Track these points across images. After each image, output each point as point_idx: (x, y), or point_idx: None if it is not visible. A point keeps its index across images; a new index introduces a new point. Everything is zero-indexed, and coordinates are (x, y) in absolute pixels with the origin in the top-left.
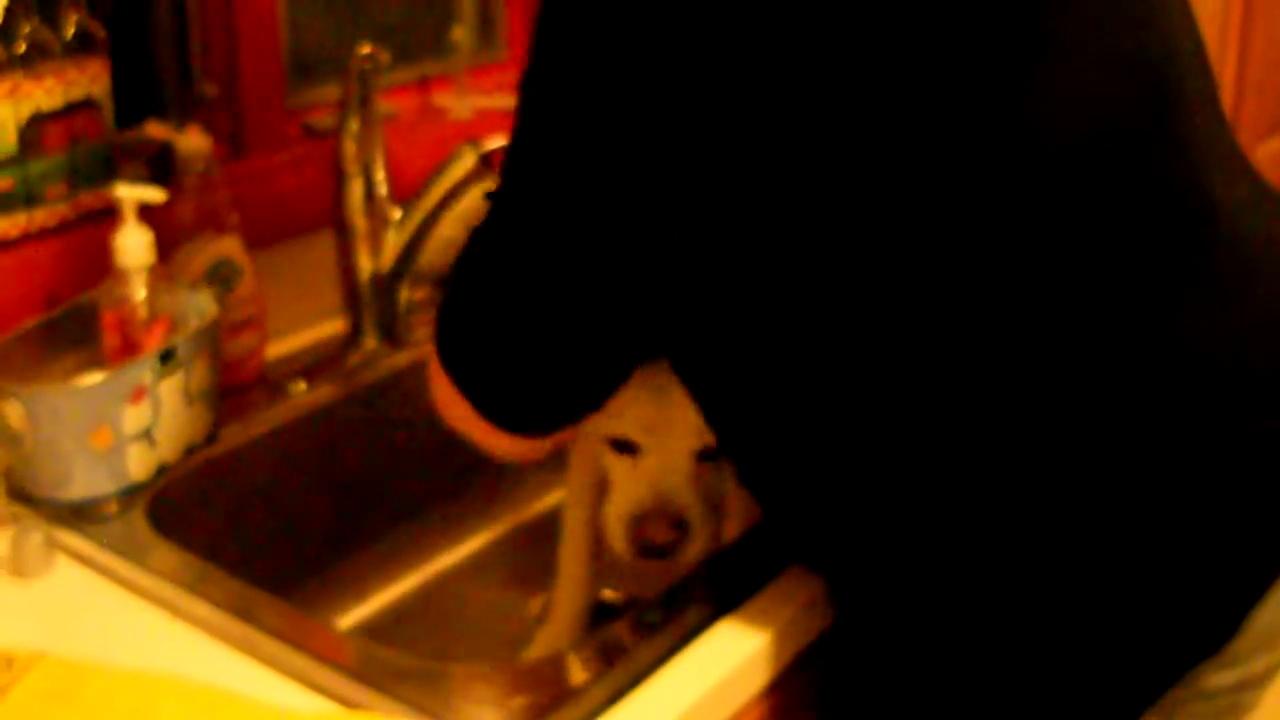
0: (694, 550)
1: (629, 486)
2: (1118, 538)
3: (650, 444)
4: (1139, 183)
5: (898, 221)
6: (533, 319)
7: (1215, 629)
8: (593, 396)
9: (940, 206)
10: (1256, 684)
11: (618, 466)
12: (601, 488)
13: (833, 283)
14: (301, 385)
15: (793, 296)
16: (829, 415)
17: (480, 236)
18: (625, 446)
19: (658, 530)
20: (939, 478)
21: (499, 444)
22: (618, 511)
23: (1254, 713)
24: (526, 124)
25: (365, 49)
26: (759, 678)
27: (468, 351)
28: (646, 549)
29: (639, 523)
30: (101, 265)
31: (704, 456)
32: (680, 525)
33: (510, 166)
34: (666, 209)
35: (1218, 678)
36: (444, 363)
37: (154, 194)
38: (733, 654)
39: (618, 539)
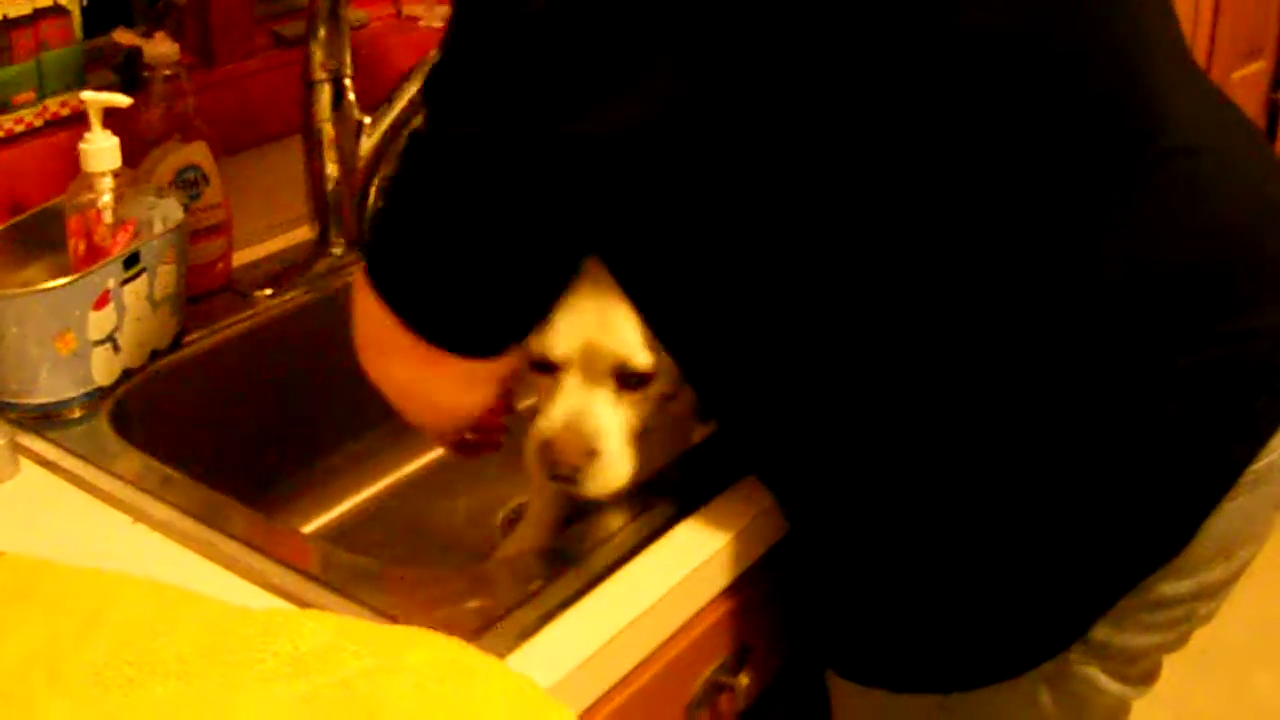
0: (604, 482)
1: (546, 405)
2: (1066, 449)
3: (570, 364)
4: (1078, 91)
5: (829, 122)
6: (476, 228)
7: (1168, 537)
8: (538, 306)
9: (871, 108)
10: (1211, 594)
11: (540, 389)
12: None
13: (769, 186)
14: (268, 291)
15: (730, 202)
16: (767, 319)
17: (411, 155)
18: (545, 366)
19: (564, 454)
20: (883, 384)
21: (438, 387)
22: (531, 432)
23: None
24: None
25: None
26: (719, 579)
27: (406, 273)
28: (554, 474)
29: (549, 445)
30: (69, 172)
31: (626, 383)
32: (591, 453)
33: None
34: (618, 102)
35: (1172, 586)
36: (379, 287)
37: (120, 99)
38: (692, 555)
39: (529, 461)
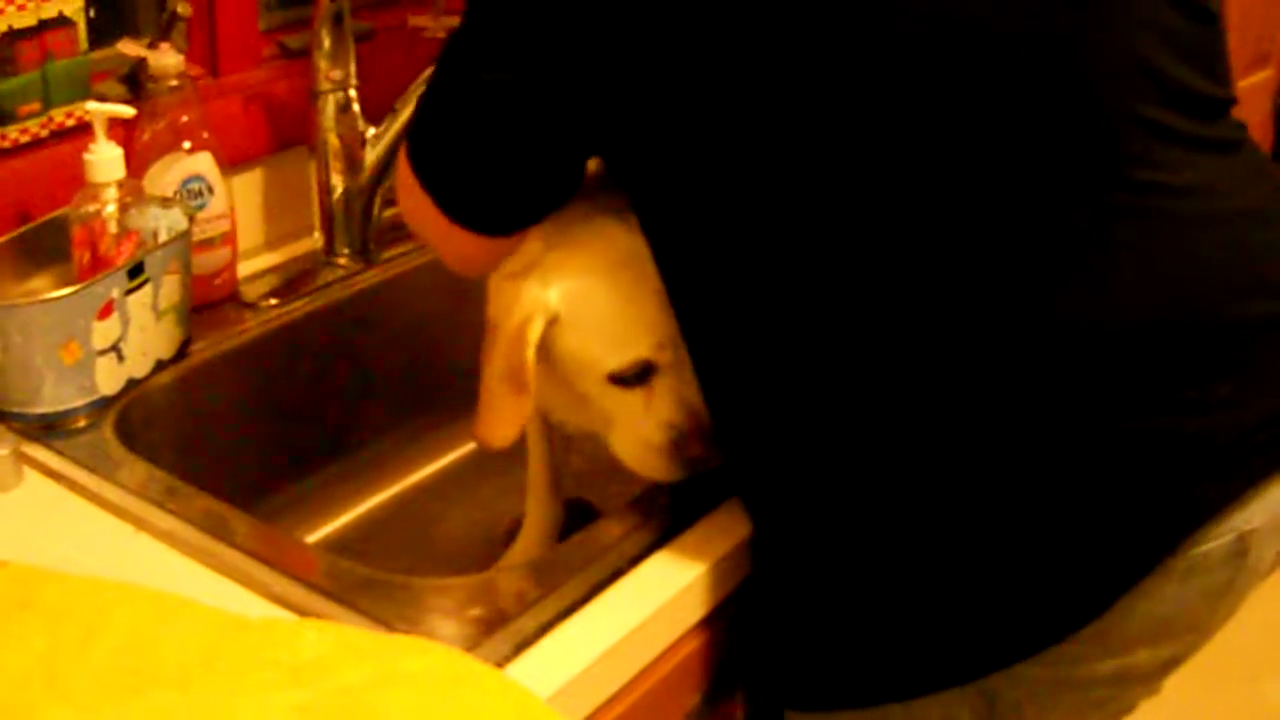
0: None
1: (652, 413)
2: (996, 497)
3: (667, 362)
4: (1028, 117)
5: (774, 132)
6: (491, 129)
7: (1081, 605)
8: (541, 202)
9: (821, 115)
10: (1140, 680)
11: (625, 401)
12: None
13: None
14: (273, 301)
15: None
16: (751, 319)
17: (448, 50)
18: (636, 377)
19: (701, 446)
20: (835, 403)
21: (459, 246)
22: (647, 442)
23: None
24: None
25: None
26: (723, 587)
27: (435, 155)
28: (699, 461)
29: (683, 443)
30: (74, 182)
31: None
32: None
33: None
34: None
35: (1091, 667)
36: (413, 165)
37: (124, 110)
38: (696, 564)
39: (657, 465)
